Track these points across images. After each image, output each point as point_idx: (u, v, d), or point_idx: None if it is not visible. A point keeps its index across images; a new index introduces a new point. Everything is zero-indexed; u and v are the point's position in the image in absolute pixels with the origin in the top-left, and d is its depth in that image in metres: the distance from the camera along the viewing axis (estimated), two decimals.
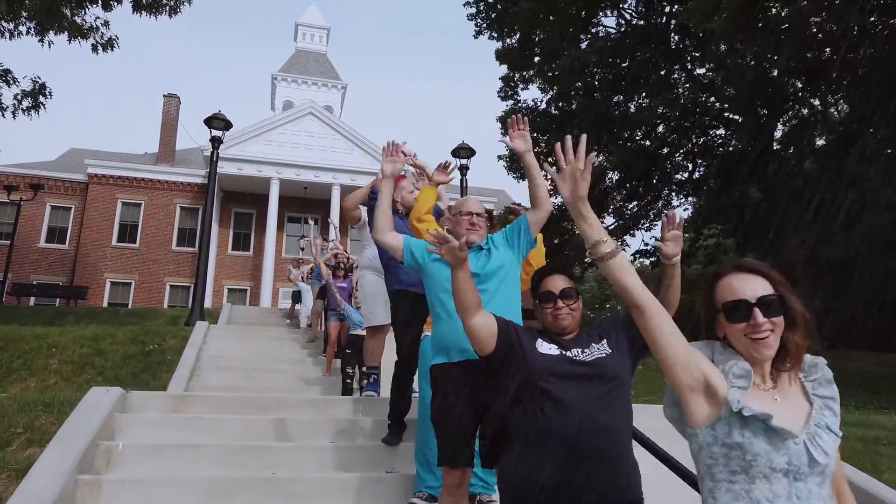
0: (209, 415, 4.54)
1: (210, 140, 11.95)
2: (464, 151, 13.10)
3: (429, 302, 2.96)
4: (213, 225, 27.55)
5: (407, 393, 4.13)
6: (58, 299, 25.05)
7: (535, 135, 19.22)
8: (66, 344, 8.52)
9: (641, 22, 18.79)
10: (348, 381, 6.91)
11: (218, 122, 11.88)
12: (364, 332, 6.16)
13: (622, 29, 18.85)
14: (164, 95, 30.84)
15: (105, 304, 26.82)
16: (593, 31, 19.15)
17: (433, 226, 3.53)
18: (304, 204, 29.89)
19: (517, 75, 22.10)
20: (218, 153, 11.95)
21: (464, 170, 13.10)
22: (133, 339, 9.25)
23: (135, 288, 27.67)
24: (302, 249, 28.28)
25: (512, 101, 22.19)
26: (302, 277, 14.26)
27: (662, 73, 17.74)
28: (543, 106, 19.82)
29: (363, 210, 5.00)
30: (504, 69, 22.10)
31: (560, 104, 18.94)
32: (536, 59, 19.13)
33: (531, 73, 21.50)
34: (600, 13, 18.21)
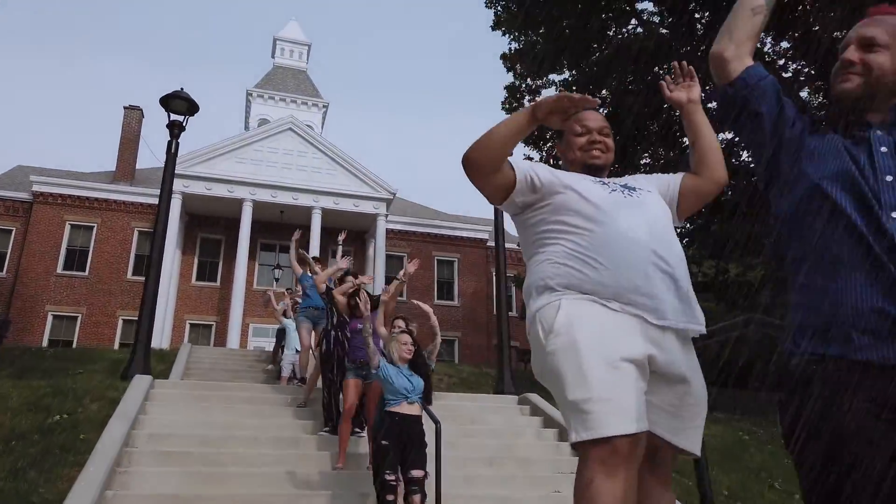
0: None
1: (168, 126, 8.93)
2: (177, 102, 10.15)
3: None
4: (175, 252, 24.27)
5: None
6: None
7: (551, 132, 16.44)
8: None
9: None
10: (390, 498, 3.88)
11: (179, 102, 8.88)
12: (416, 409, 3.53)
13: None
14: (125, 107, 27.68)
15: (45, 342, 23.15)
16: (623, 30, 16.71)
17: None
18: (280, 230, 26.70)
19: (524, 84, 19.59)
20: (177, 144, 8.92)
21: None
22: (34, 404, 6.07)
23: (81, 323, 24.04)
24: (276, 280, 25.14)
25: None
26: (286, 311, 11.20)
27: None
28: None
29: None
30: (510, 77, 19.60)
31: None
32: (562, 54, 16.50)
33: (543, 79, 18.95)
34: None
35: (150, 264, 8.11)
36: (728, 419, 9.68)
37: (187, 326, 24.98)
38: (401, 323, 5.47)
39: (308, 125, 29.35)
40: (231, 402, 6.69)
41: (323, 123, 33.71)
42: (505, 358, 9.01)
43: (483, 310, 28.60)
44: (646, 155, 16.65)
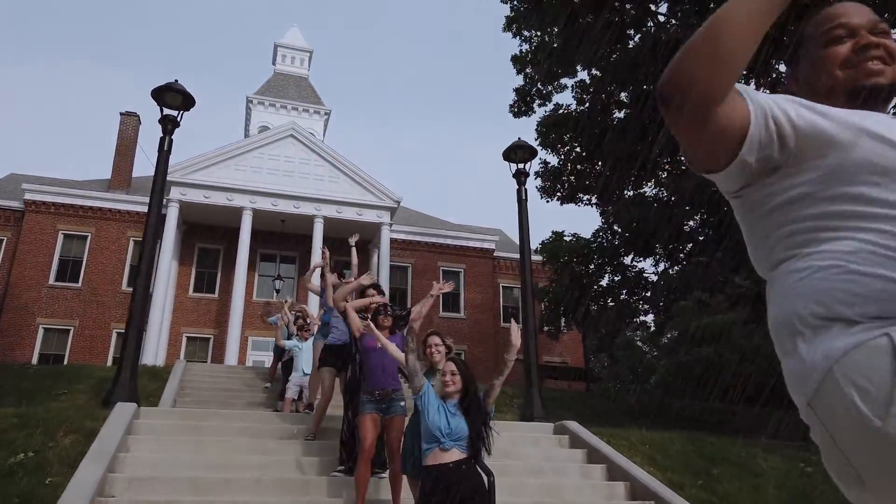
0: None
1: (160, 121, 8.05)
2: (521, 152, 9.40)
3: None
4: (172, 262, 23.35)
5: None
6: None
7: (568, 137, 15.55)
8: None
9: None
10: None
11: (172, 95, 8.00)
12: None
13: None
14: (121, 114, 26.84)
15: (36, 356, 22.20)
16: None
17: None
18: (281, 240, 25.86)
19: (534, 89, 18.78)
20: (171, 140, 8.04)
21: (522, 178, 9.37)
22: None
23: (74, 336, 23.07)
24: (277, 292, 24.21)
25: (526, 117, 18.84)
26: (289, 328, 10.27)
27: None
28: (581, 108, 16.15)
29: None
30: (520, 80, 18.80)
31: (608, 105, 15.31)
32: (577, 57, 15.64)
33: (555, 83, 18.12)
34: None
35: (136, 279, 7.20)
36: (773, 446, 8.72)
37: (184, 339, 24.02)
38: (436, 339, 4.56)
39: (310, 132, 28.56)
40: (228, 435, 5.76)
41: (325, 131, 32.91)
42: (534, 379, 8.09)
43: (489, 322, 27.68)
44: (665, 163, 15.78)
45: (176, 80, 8.12)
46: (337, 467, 5.23)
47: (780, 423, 9.94)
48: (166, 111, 8.06)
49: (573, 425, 6.95)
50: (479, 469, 3.72)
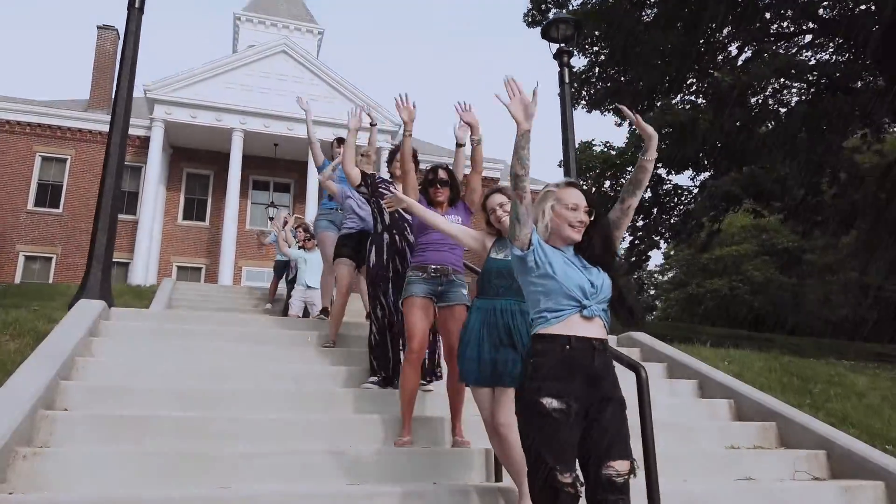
0: None
1: None
2: (563, 27, 7.91)
3: None
4: (159, 187, 21.89)
5: None
6: None
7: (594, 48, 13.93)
8: None
9: None
10: None
11: None
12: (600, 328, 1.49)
13: None
14: (98, 27, 24.76)
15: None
16: None
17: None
18: (274, 165, 24.32)
19: None
20: (140, 11, 6.49)
21: (565, 57, 7.90)
22: None
23: (56, 264, 21.76)
24: (271, 220, 22.82)
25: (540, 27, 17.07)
26: (289, 243, 9.06)
27: None
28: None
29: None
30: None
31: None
32: None
33: None
34: None
35: (104, 172, 5.85)
36: (854, 367, 7.61)
37: (174, 269, 22.75)
38: (500, 198, 3.33)
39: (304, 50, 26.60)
40: (225, 341, 4.51)
41: (318, 52, 30.85)
42: None
43: None
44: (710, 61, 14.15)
45: None
46: (368, 378, 4.04)
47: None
48: None
49: (644, 336, 5.77)
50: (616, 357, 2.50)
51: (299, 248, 8.69)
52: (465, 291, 3.52)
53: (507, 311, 2.95)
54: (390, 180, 4.40)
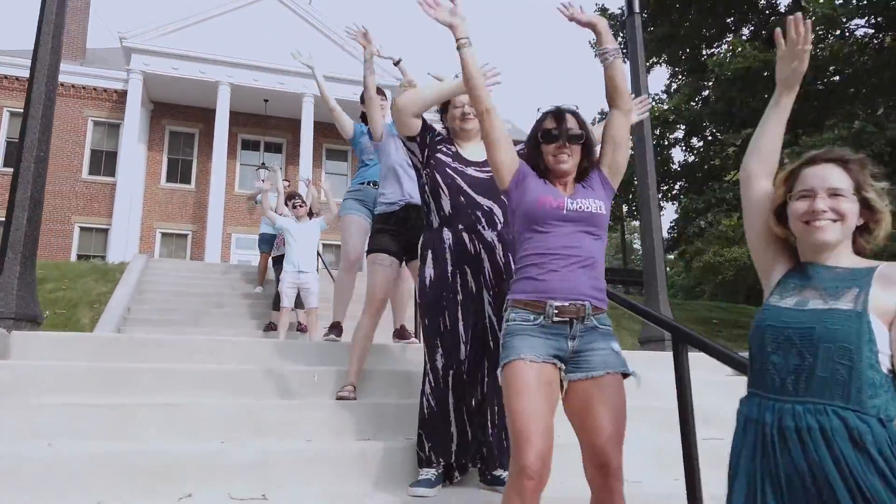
0: None
1: None
2: None
3: None
4: (139, 146, 20.15)
5: None
6: None
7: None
8: None
9: None
10: None
11: None
12: None
13: None
14: None
15: None
16: None
17: None
18: (265, 123, 22.54)
19: None
20: None
21: None
22: None
23: None
24: (262, 181, 21.16)
25: None
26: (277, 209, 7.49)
27: None
28: None
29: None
30: None
31: None
32: None
33: None
34: None
35: (30, 90, 4.26)
36: None
37: (158, 236, 21.17)
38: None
39: None
40: (180, 394, 2.94)
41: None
42: None
43: None
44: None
45: None
46: (419, 472, 2.51)
47: None
48: None
49: None
50: None
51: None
52: (616, 347, 1.96)
53: (811, 436, 1.33)
54: (450, 138, 2.87)
